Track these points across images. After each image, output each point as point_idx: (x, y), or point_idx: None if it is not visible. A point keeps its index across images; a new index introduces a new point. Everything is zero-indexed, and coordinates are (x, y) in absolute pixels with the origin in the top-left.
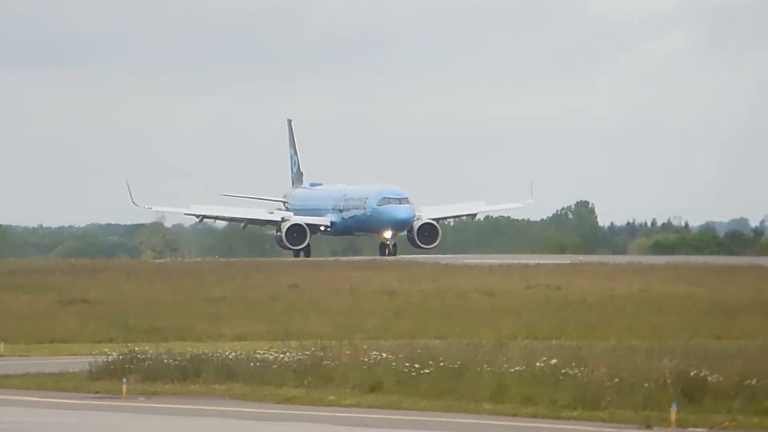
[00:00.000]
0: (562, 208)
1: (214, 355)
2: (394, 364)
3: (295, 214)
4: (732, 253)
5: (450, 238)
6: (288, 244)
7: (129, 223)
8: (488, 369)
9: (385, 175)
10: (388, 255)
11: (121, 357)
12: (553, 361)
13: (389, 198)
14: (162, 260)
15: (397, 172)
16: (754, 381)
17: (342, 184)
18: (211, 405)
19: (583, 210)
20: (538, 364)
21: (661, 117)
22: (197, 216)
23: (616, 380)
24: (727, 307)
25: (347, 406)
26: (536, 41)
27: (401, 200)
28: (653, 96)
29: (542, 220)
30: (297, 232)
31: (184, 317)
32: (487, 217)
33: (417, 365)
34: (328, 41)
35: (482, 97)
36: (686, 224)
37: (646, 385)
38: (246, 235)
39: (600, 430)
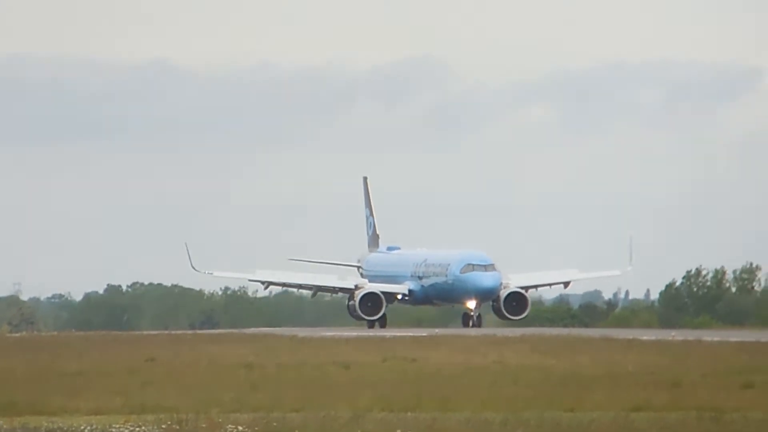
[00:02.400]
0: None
1: (70, 429)
2: None
3: (370, 281)
4: (586, 325)
5: (310, 311)
6: (362, 314)
7: None
8: None
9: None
10: (473, 326)
11: None
12: None
13: (473, 264)
14: (18, 334)
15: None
16: None
17: (422, 248)
18: None
19: None
20: None
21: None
22: (263, 282)
23: None
24: (581, 380)
25: None
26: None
27: (486, 267)
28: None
29: None
30: (372, 300)
31: (40, 391)
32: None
33: None
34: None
35: None
36: (540, 297)
37: None
38: (104, 307)
39: None
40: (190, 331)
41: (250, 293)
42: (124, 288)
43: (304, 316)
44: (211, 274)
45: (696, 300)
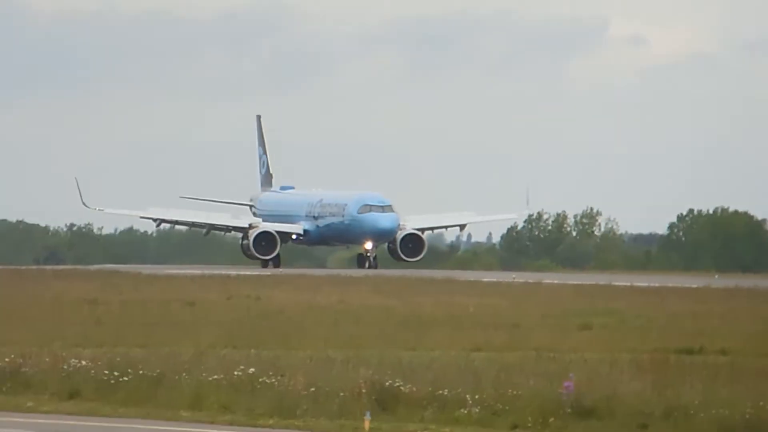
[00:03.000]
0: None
1: None
2: (93, 371)
3: (263, 220)
4: (429, 266)
5: (153, 248)
6: (255, 253)
7: None
8: (187, 378)
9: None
10: (369, 268)
11: None
12: (251, 370)
13: (371, 205)
14: None
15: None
16: (445, 391)
17: (317, 188)
18: None
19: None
20: (236, 373)
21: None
22: (155, 220)
23: (313, 389)
24: (422, 320)
25: (45, 412)
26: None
27: (384, 208)
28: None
29: None
30: (266, 240)
31: None
32: (189, 228)
33: (116, 373)
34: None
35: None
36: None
37: (342, 394)
38: None
39: None
40: (34, 267)
41: (95, 230)
42: None
43: (149, 254)
44: (102, 210)
45: (537, 243)
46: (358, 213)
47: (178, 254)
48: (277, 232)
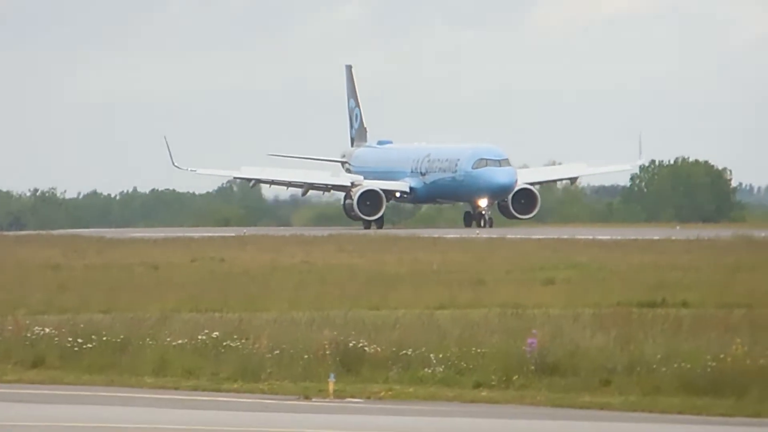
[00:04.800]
0: (227, 182)
1: None
2: (56, 339)
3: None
4: (393, 224)
5: (117, 212)
6: (360, 214)
7: None
8: (151, 343)
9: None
10: (484, 226)
11: None
12: (215, 333)
13: (487, 159)
14: None
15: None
16: (409, 351)
17: (419, 142)
18: None
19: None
20: (200, 337)
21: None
22: (249, 180)
23: (277, 352)
24: (386, 278)
25: (8, 382)
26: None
27: (501, 162)
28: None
29: (207, 192)
30: (371, 199)
31: None
32: (152, 190)
33: (80, 340)
34: None
35: None
36: None
37: (306, 356)
38: None
39: (260, 401)
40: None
41: (58, 194)
42: None
43: (113, 217)
44: (195, 171)
45: None
46: (473, 168)
47: (142, 217)
48: (383, 190)
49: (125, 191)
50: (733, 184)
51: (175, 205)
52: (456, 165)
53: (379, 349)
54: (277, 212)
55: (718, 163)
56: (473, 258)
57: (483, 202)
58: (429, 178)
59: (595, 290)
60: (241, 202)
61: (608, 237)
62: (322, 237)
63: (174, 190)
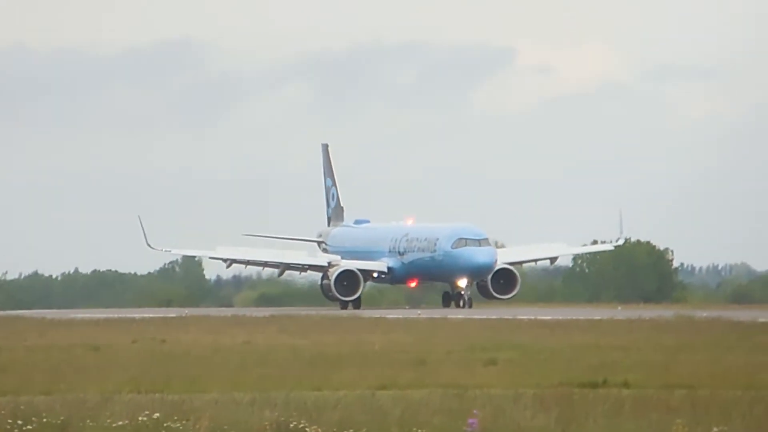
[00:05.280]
0: (170, 262)
1: None
2: None
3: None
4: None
5: (58, 293)
6: (337, 294)
7: None
8: (91, 424)
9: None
10: (463, 307)
11: None
12: (156, 414)
13: (466, 239)
14: None
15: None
16: (351, 431)
17: (395, 221)
18: None
19: (190, 263)
20: (141, 418)
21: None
22: (225, 260)
23: None
24: (328, 359)
25: None
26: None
27: (481, 242)
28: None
29: (149, 273)
30: (348, 279)
31: None
32: (94, 271)
33: (20, 422)
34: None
35: None
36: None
37: None
38: None
39: None
40: None
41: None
42: None
43: (54, 299)
44: (169, 251)
45: None
46: (453, 248)
47: (84, 298)
48: (360, 270)
49: (67, 272)
50: (675, 264)
51: (117, 286)
52: (435, 244)
53: (320, 430)
54: (219, 293)
55: (660, 244)
56: (415, 338)
57: (462, 282)
58: (407, 258)
59: (536, 371)
60: (182, 282)
61: (550, 317)
62: (263, 318)
63: (116, 271)
